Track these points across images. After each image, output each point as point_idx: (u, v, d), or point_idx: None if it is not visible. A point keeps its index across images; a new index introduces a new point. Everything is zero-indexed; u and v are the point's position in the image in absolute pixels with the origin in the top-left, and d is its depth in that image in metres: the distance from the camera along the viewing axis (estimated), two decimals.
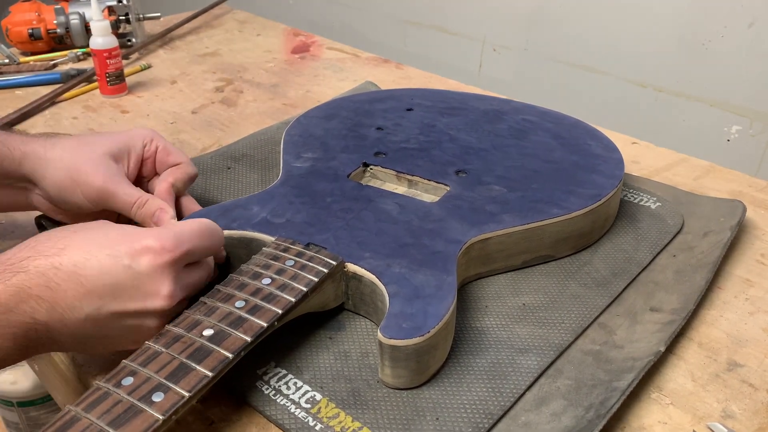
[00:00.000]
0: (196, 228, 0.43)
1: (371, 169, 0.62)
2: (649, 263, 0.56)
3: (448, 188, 0.58)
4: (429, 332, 0.41)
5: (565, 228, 0.54)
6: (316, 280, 0.45)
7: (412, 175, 0.60)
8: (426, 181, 0.59)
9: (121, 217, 0.55)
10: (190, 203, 0.57)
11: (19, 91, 0.91)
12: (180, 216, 0.55)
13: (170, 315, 0.42)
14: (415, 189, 0.60)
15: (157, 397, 0.35)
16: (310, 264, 0.46)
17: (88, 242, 0.39)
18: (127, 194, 0.52)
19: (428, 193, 0.59)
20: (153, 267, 0.39)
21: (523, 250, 0.54)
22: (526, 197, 0.56)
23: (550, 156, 0.62)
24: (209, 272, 0.46)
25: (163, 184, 0.54)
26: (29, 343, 0.37)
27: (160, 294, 0.40)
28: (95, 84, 0.92)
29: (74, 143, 0.53)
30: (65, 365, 0.48)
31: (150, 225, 0.52)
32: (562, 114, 0.71)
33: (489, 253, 0.53)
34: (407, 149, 0.64)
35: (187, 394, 0.36)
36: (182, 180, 0.56)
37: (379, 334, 0.41)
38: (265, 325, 0.41)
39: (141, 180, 0.57)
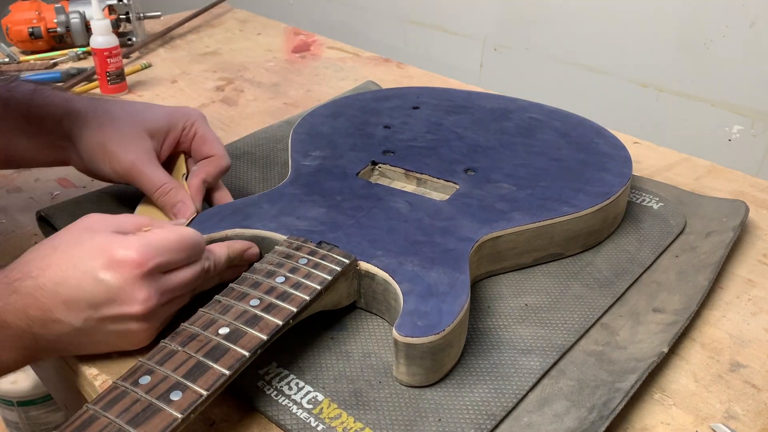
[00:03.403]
0: (174, 240, 0.43)
1: (380, 167, 0.62)
2: (652, 264, 0.56)
3: (457, 186, 0.57)
4: (444, 330, 0.41)
5: (575, 226, 0.54)
6: (329, 278, 0.45)
7: (421, 174, 0.60)
8: (435, 180, 0.59)
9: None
10: (222, 196, 0.58)
11: None
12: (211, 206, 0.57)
13: (156, 316, 0.43)
14: (424, 187, 0.60)
15: (176, 396, 0.35)
16: (324, 262, 0.46)
17: (66, 260, 0.41)
18: (154, 179, 0.53)
19: (437, 192, 0.59)
20: (125, 279, 0.41)
21: (533, 248, 0.54)
22: (536, 195, 0.56)
23: (557, 154, 0.62)
24: (196, 274, 0.45)
25: (194, 179, 0.56)
26: (32, 353, 0.40)
27: (136, 300, 0.41)
28: (96, 83, 0.91)
29: (118, 111, 0.54)
30: (65, 365, 0.48)
31: (170, 215, 0.54)
32: (568, 112, 0.71)
33: (500, 251, 0.53)
34: (415, 147, 0.64)
35: (205, 393, 0.36)
36: (213, 175, 0.57)
37: (395, 332, 0.41)
38: (280, 323, 0.41)
39: (173, 158, 0.59)
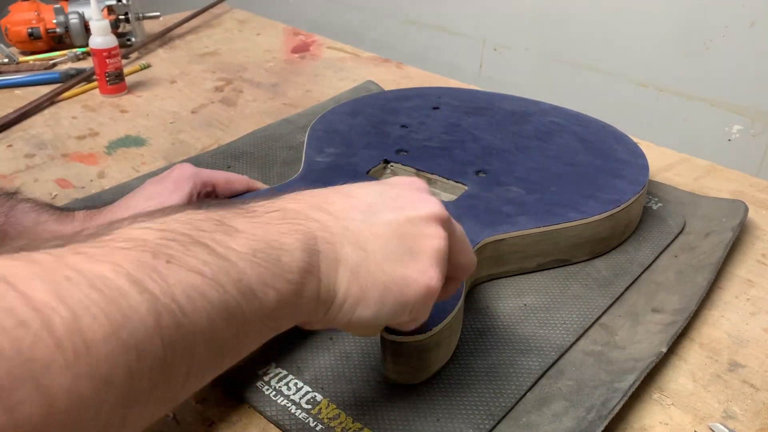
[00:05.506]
0: None
1: (392, 166, 0.62)
2: (651, 264, 0.56)
3: (465, 188, 0.57)
4: (431, 330, 0.41)
5: (582, 232, 0.54)
6: None
7: (431, 174, 0.60)
8: (445, 180, 0.59)
9: None
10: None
11: (18, 91, 0.91)
12: None
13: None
14: (433, 187, 0.60)
15: None
16: None
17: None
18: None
19: (446, 192, 0.59)
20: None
21: (537, 253, 0.54)
22: (544, 200, 0.55)
23: (573, 159, 0.62)
24: None
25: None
26: (313, 254, 0.31)
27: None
28: (94, 83, 0.91)
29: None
30: None
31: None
32: (591, 117, 0.70)
33: (502, 254, 0.52)
34: (429, 148, 0.64)
35: None
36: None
37: (382, 330, 0.41)
38: None
39: None
